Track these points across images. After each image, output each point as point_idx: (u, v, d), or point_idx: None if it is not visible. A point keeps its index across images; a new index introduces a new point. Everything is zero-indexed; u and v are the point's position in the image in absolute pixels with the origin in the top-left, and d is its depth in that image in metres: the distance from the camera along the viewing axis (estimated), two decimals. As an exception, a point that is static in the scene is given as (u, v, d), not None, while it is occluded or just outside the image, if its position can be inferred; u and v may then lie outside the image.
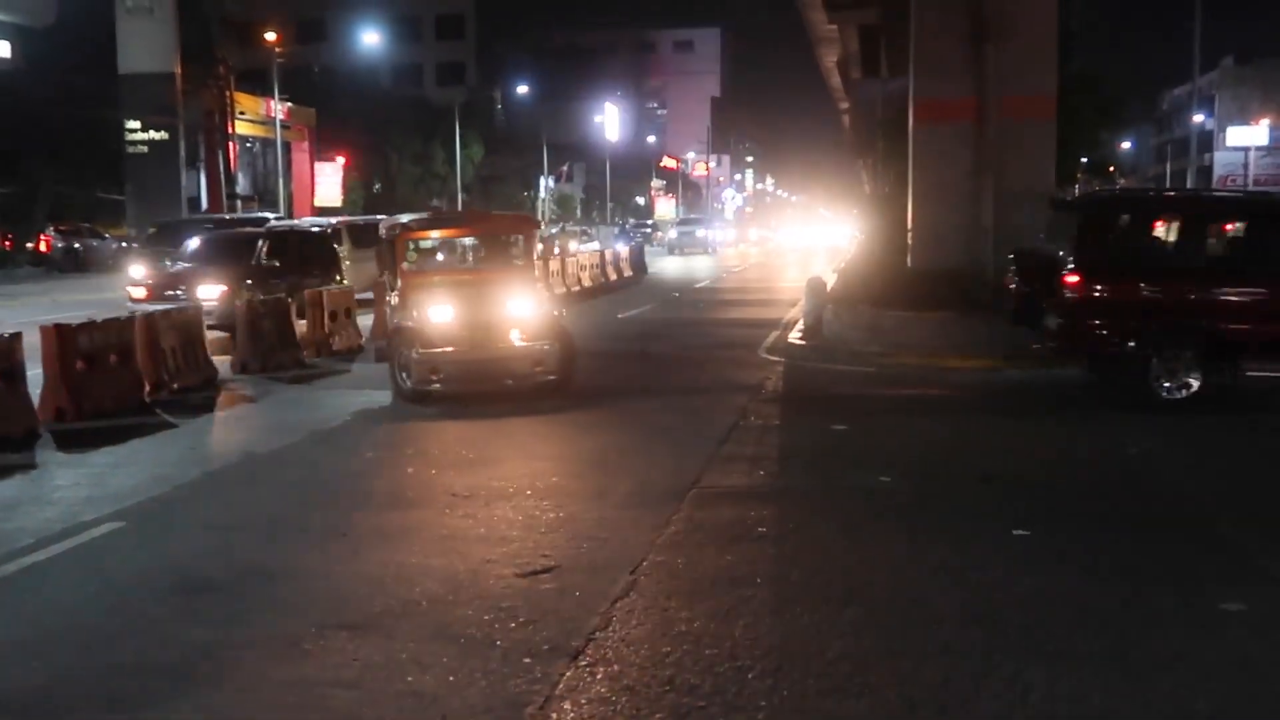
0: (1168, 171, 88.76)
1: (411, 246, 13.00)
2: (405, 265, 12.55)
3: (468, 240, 14.38)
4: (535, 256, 14.11)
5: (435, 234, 13.82)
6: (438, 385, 11.38)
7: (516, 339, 11.68)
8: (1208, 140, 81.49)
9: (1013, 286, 12.69)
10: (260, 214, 35.10)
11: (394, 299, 12.64)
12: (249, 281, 16.86)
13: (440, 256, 14.26)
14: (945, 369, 13.56)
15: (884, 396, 12.08)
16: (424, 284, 12.33)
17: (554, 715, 4.49)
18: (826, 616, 5.51)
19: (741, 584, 6.01)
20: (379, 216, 24.86)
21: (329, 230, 22.69)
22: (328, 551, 6.73)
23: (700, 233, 56.09)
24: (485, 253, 14.09)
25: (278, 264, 18.04)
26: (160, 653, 5.21)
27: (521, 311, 11.82)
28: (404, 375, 11.57)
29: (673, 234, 56.57)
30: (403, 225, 12.94)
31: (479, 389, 11.51)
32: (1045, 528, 6.98)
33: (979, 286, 18.16)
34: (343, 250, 21.97)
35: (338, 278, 19.23)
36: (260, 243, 18.48)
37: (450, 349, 11.44)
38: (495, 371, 11.63)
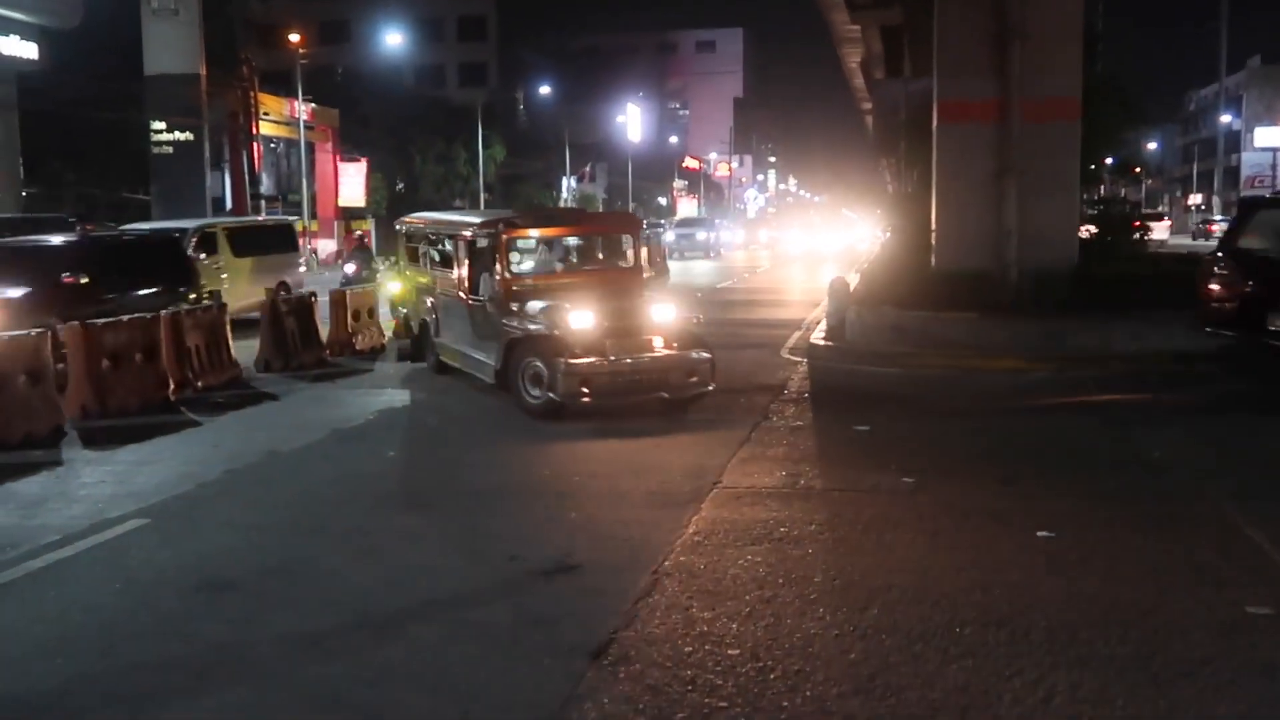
0: (1194, 173, 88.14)
1: (511, 248, 12.00)
2: (507, 268, 11.65)
3: (571, 240, 13.17)
4: (642, 259, 13.11)
5: (537, 233, 12.71)
6: (587, 399, 10.46)
7: (666, 348, 10.94)
8: (1235, 141, 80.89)
9: (1216, 288, 12.25)
10: (279, 215, 35.26)
11: (488, 304, 11.70)
12: (40, 303, 12.83)
13: (528, 258, 13.06)
14: (969, 370, 13.49)
15: (907, 397, 12.02)
16: (542, 288, 11.57)
17: (575, 715, 4.49)
18: (848, 618, 5.49)
19: (763, 584, 5.99)
20: (264, 216, 25.19)
21: (181, 235, 17.89)
22: (349, 550, 6.75)
23: (701, 235, 51.16)
24: (588, 254, 13.16)
25: (88, 280, 13.80)
26: (182, 650, 5.24)
27: (668, 317, 11.12)
28: (534, 388, 10.66)
29: (670, 236, 50.02)
30: (506, 223, 11.92)
31: (630, 402, 10.76)
32: (1069, 529, 6.92)
33: (1003, 288, 18.08)
34: (219, 259, 18.82)
35: (193, 294, 15.33)
36: (68, 254, 14.45)
37: (600, 359, 10.56)
38: (650, 383, 10.75)
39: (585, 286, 11.70)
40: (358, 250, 23.60)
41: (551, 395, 10.49)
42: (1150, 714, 4.47)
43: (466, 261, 12.28)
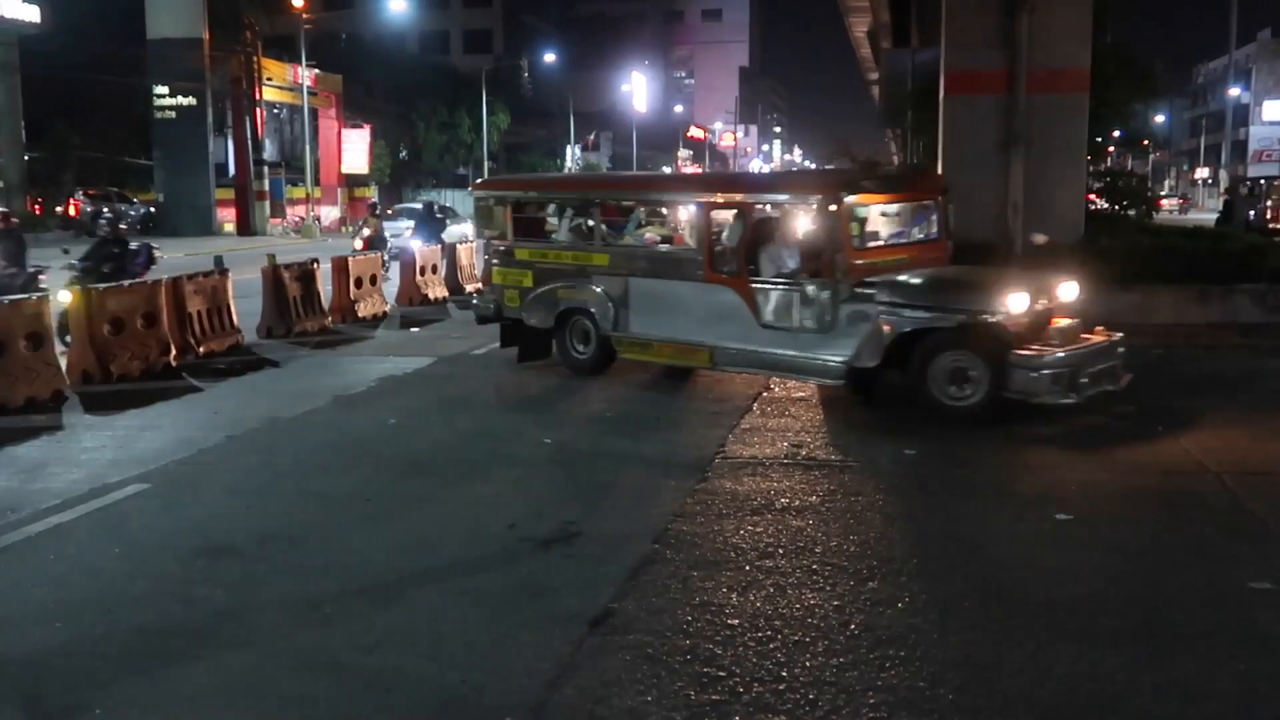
0: (1201, 145, 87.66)
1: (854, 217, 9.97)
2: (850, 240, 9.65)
3: (894, 208, 10.86)
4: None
5: (878, 199, 10.46)
6: (1071, 398, 8.88)
7: (1088, 333, 9.54)
8: (1243, 114, 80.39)
9: None
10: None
11: (819, 287, 9.54)
12: None
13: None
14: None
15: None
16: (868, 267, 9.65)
17: (574, 683, 4.49)
18: (849, 590, 5.49)
19: (764, 555, 5.99)
20: None
21: None
22: (349, 517, 6.75)
23: None
24: (903, 221, 11.03)
25: None
26: (182, 615, 5.24)
27: (1073, 296, 9.63)
28: (954, 386, 9.05)
29: None
30: (846, 185, 9.90)
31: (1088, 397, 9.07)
32: (1070, 504, 6.91)
33: (1008, 258, 18.00)
34: None
35: None
36: None
37: (1049, 349, 9.04)
38: (1100, 375, 9.18)
39: (911, 262, 10.09)
40: (429, 217, 24.51)
41: (1007, 393, 8.86)
42: (1149, 687, 4.46)
43: (739, 233, 10.22)
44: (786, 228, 10.28)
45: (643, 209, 11.96)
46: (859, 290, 9.48)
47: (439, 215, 27.96)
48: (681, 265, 10.64)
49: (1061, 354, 8.97)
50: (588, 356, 11.35)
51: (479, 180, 14.59)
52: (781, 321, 9.88)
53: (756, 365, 10.14)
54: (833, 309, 9.57)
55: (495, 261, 12.21)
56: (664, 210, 11.97)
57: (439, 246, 20.03)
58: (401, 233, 25.58)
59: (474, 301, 12.58)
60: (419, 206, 33.06)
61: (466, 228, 30.58)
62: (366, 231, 21.59)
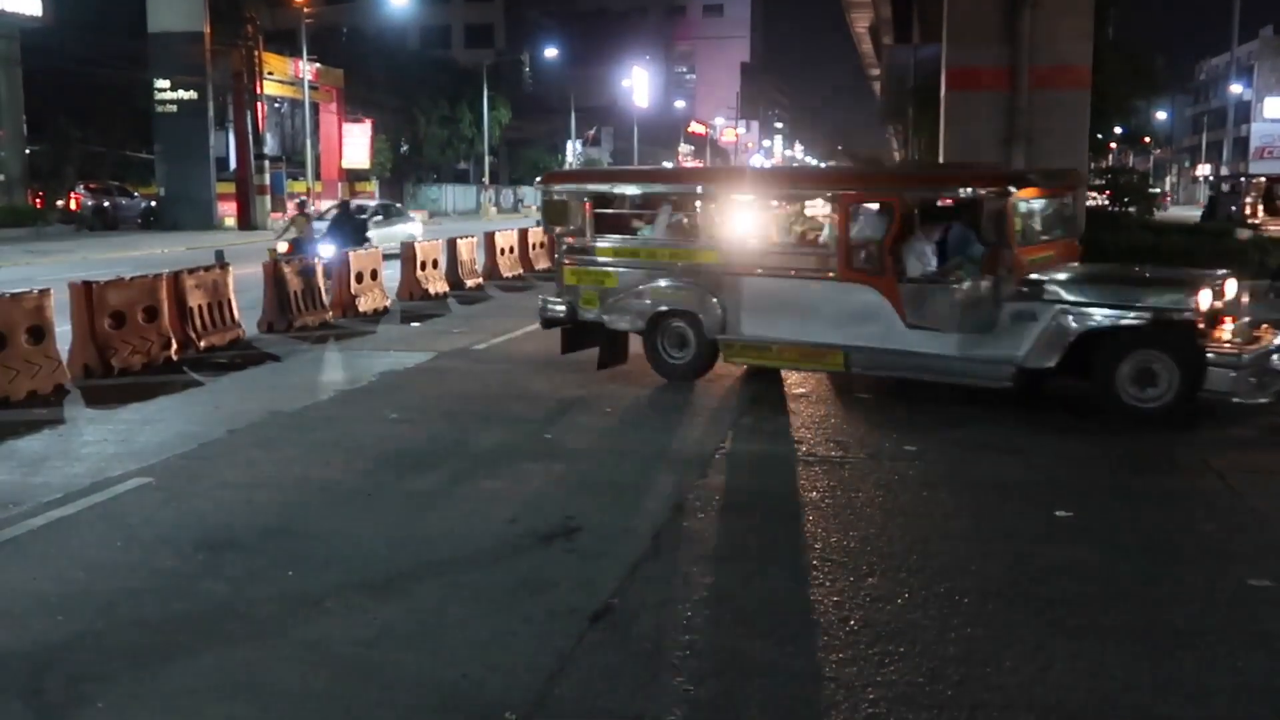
0: (1203, 142, 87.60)
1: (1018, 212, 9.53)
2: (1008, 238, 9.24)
3: (1040, 203, 10.32)
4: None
5: (1038, 194, 10.14)
6: (1267, 395, 8.76)
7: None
8: (1245, 111, 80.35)
9: None
10: None
11: (981, 284, 9.23)
12: None
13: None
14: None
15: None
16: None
17: (575, 676, 4.50)
18: (848, 585, 5.50)
19: (764, 551, 6.00)
20: None
21: None
22: (350, 511, 6.76)
23: None
24: (1046, 217, 10.50)
25: None
26: (183, 608, 5.25)
27: (1235, 295, 9.28)
28: (1149, 386, 8.82)
29: None
30: (1014, 180, 9.69)
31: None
32: (1070, 501, 6.92)
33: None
34: None
35: None
36: None
37: (1249, 347, 8.82)
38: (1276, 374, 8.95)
39: (1055, 258, 9.95)
40: (345, 219, 20.37)
41: (1203, 393, 8.68)
42: (1148, 683, 4.47)
43: (884, 229, 9.76)
44: (933, 223, 9.92)
45: (763, 203, 10.93)
46: (1024, 288, 9.22)
47: (360, 216, 22.62)
48: (810, 263, 10.11)
49: (1257, 351, 8.73)
50: (685, 361, 10.67)
51: (550, 172, 13.50)
52: (932, 321, 9.43)
53: (900, 368, 9.70)
54: (996, 307, 9.25)
55: (568, 261, 11.30)
56: (788, 205, 11.14)
57: (371, 251, 17.21)
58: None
59: (542, 304, 11.55)
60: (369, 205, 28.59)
61: (415, 227, 27.11)
62: (293, 233, 18.85)
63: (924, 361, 9.51)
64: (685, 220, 11.29)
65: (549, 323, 11.63)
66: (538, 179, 12.89)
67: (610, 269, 11.06)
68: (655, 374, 10.91)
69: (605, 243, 11.18)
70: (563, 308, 11.36)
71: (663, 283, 10.72)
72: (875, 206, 10.12)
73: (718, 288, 10.40)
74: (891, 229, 9.66)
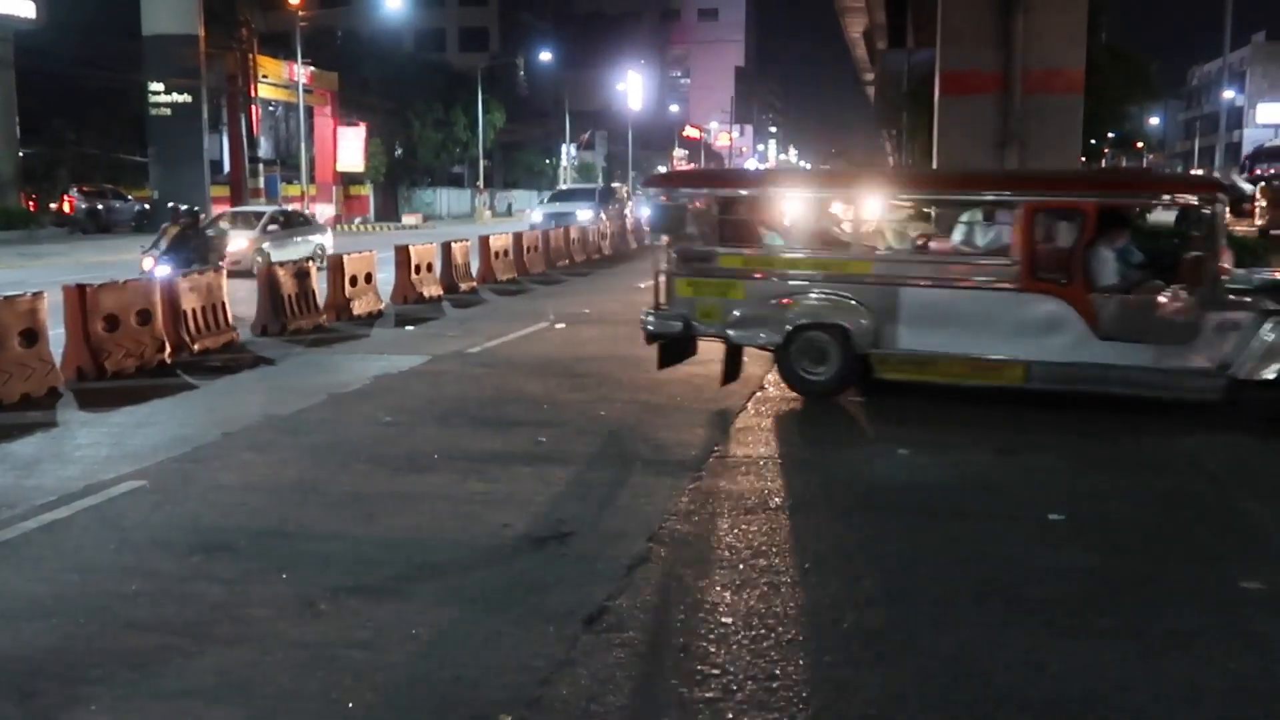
0: (1196, 148, 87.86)
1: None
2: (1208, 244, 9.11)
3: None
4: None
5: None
6: None
7: None
8: (1238, 116, 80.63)
9: None
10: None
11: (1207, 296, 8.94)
12: None
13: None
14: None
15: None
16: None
17: (568, 680, 4.50)
18: (842, 588, 5.51)
19: (758, 553, 6.01)
20: None
21: None
22: (344, 514, 6.76)
23: (584, 212, 33.97)
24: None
25: None
26: (177, 612, 5.25)
27: None
28: None
29: (536, 215, 35.64)
30: (1225, 185, 9.92)
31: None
32: (1063, 503, 6.94)
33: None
34: None
35: None
36: None
37: None
38: None
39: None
40: (189, 235, 16.49)
41: None
42: (1141, 684, 4.49)
43: (1073, 237, 9.48)
44: (1126, 230, 9.63)
45: (921, 208, 10.69)
46: (1233, 296, 9.01)
47: (205, 230, 18.35)
48: (985, 272, 9.70)
49: None
50: (826, 377, 9.98)
51: (660, 174, 12.78)
52: (1130, 332, 9.13)
53: (1091, 381, 9.34)
54: (1201, 317, 8.97)
55: (682, 271, 10.50)
56: (956, 211, 10.67)
57: (208, 273, 13.73)
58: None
59: (645, 318, 10.71)
60: (269, 210, 25.20)
61: (322, 239, 24.41)
62: (163, 246, 16.28)
63: (1120, 374, 9.20)
64: (828, 226, 10.81)
65: (657, 337, 10.75)
66: (642, 180, 12.57)
67: (737, 279, 10.33)
68: (653, 378, 10.90)
69: (731, 252, 10.48)
70: (676, 322, 10.51)
71: (804, 294, 10.08)
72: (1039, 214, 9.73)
73: (870, 298, 9.86)
74: (1082, 237, 9.31)
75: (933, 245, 10.35)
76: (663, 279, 10.59)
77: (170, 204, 24.20)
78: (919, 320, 9.75)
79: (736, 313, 10.26)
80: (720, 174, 11.17)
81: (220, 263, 15.76)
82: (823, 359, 10.02)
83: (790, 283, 10.17)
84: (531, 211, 41.08)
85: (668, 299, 10.62)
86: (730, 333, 10.32)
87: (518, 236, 23.98)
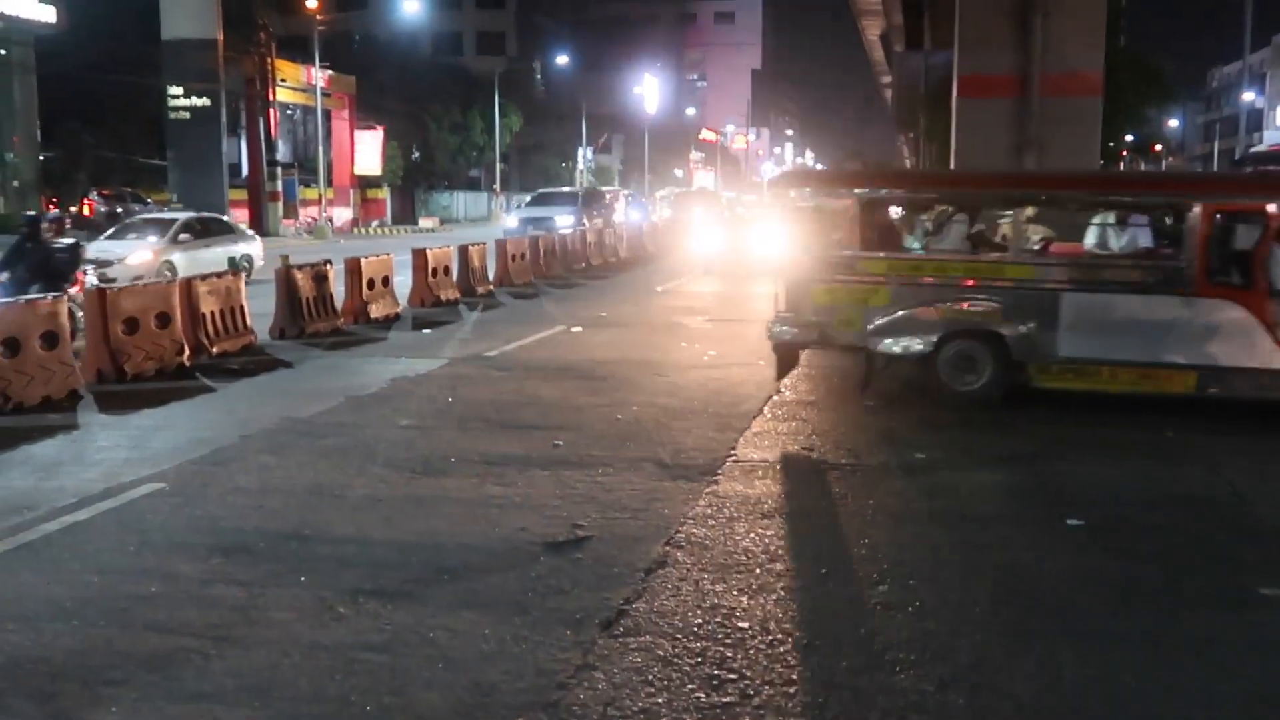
0: (1215, 151, 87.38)
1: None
2: None
3: None
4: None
5: None
6: None
7: None
8: (1257, 119, 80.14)
9: None
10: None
11: None
12: None
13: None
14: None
15: (918, 373, 11.98)
16: None
17: (585, 684, 4.51)
18: (859, 593, 5.50)
19: (775, 558, 6.00)
20: None
21: None
22: (362, 517, 6.78)
23: (564, 219, 32.03)
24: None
25: None
26: (196, 614, 5.28)
27: None
28: None
29: (511, 221, 34.00)
30: None
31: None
32: (1080, 509, 6.91)
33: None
34: None
35: None
36: None
37: None
38: None
39: None
40: (26, 249, 12.64)
41: None
42: (1159, 691, 4.47)
43: (1256, 240, 9.17)
44: None
45: (1085, 211, 10.23)
46: None
47: (58, 247, 12.87)
48: (1156, 277, 9.40)
49: None
50: (978, 386, 9.74)
51: (787, 172, 12.11)
52: None
53: (1272, 390, 9.11)
54: None
55: (816, 276, 10.09)
56: (1121, 213, 10.37)
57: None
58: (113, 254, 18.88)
59: (776, 324, 10.31)
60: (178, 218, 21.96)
61: (249, 247, 21.73)
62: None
63: None
64: (981, 229, 10.55)
65: (789, 347, 10.41)
66: (769, 179, 12.05)
67: (879, 285, 9.96)
68: (670, 382, 10.89)
69: (874, 256, 10.08)
70: (811, 330, 10.14)
71: (956, 300, 9.76)
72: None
73: (1028, 304, 9.59)
74: (1265, 240, 9.02)
75: (1052, 249, 10.13)
76: (792, 284, 10.17)
77: (27, 211, 20.25)
78: (1081, 326, 9.47)
79: (879, 320, 9.90)
80: (862, 174, 10.84)
81: (73, 283, 12.56)
82: (972, 368, 9.77)
83: (941, 288, 9.84)
84: (506, 216, 38.22)
85: (796, 305, 10.18)
86: (873, 340, 9.96)
87: (534, 240, 24.06)
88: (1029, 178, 11.22)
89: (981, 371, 9.74)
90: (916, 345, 9.84)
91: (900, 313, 9.87)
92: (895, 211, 10.95)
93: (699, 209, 41.96)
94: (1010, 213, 10.14)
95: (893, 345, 9.95)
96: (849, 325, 10.03)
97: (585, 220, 32.00)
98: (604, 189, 41.57)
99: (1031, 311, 9.56)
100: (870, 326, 9.94)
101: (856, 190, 10.43)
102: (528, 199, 40.59)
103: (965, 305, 9.75)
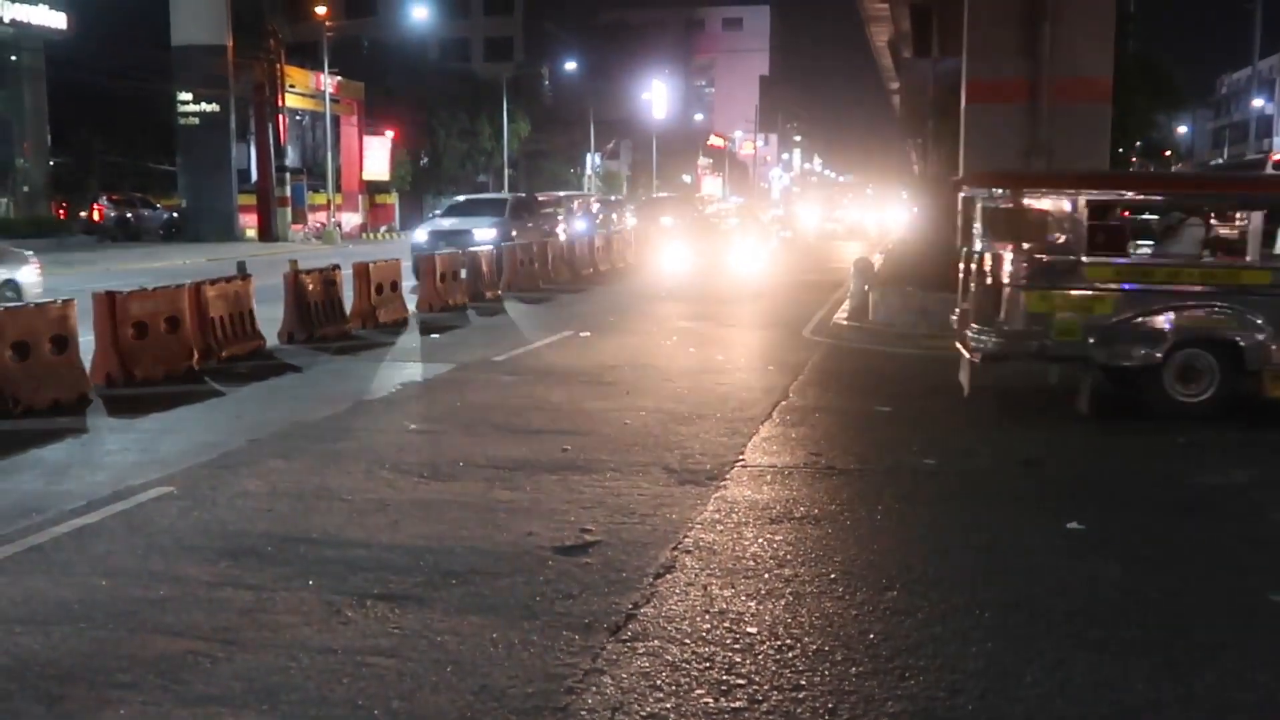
0: (1224, 158, 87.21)
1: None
2: None
3: None
4: None
5: None
6: None
7: None
8: (1267, 125, 79.94)
9: None
10: None
11: None
12: None
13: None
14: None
15: (929, 379, 11.97)
16: None
17: (594, 689, 4.50)
18: (868, 599, 5.48)
19: (783, 563, 5.99)
20: None
21: None
22: (370, 521, 6.78)
23: (483, 232, 25.38)
24: None
25: None
26: (204, 617, 5.28)
27: None
28: None
29: (421, 235, 26.60)
30: None
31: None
32: (1090, 514, 6.88)
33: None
34: None
35: None
36: None
37: None
38: None
39: None
40: None
41: None
42: (1169, 698, 4.44)
43: None
44: None
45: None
46: None
47: None
48: None
49: None
50: (1204, 398, 9.42)
51: (998, 171, 11.83)
52: None
53: None
54: None
55: (1034, 283, 9.62)
56: None
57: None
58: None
59: (979, 337, 9.89)
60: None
61: (20, 274, 15.25)
62: None
63: None
64: (1216, 234, 10.22)
65: (999, 358, 9.94)
66: (955, 178, 10.94)
67: (1106, 293, 9.55)
68: (677, 387, 10.88)
69: (1100, 260, 9.62)
70: (1030, 340, 9.70)
71: (1189, 307, 9.41)
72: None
73: (1269, 310, 9.26)
74: None
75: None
76: (1001, 292, 9.74)
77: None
78: None
79: (1103, 329, 9.51)
80: (1088, 176, 10.71)
81: None
82: (1196, 378, 9.46)
83: (1172, 295, 9.47)
84: (415, 230, 29.62)
85: (1007, 314, 9.72)
86: (1095, 351, 9.56)
87: (542, 245, 24.10)
88: (1263, 180, 10.84)
89: (1207, 382, 9.41)
90: (1144, 355, 9.45)
91: (1128, 321, 9.48)
92: (1118, 215, 10.53)
93: (668, 218, 37.82)
94: (1251, 216, 9.68)
95: (1118, 356, 9.56)
96: (1067, 335, 9.61)
97: (513, 233, 25.74)
98: (540, 196, 33.90)
99: (1272, 318, 9.24)
100: (1093, 336, 9.55)
101: (1082, 193, 9.80)
102: (439, 209, 33.70)
103: (1200, 312, 9.41)
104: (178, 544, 6.35)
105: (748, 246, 26.72)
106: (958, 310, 10.59)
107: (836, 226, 50.49)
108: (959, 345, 10.29)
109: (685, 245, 31.70)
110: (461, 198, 33.13)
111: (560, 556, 6.10)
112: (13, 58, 40.07)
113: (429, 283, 18.37)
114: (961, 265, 10.65)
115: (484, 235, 24.76)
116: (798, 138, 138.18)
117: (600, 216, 37.29)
